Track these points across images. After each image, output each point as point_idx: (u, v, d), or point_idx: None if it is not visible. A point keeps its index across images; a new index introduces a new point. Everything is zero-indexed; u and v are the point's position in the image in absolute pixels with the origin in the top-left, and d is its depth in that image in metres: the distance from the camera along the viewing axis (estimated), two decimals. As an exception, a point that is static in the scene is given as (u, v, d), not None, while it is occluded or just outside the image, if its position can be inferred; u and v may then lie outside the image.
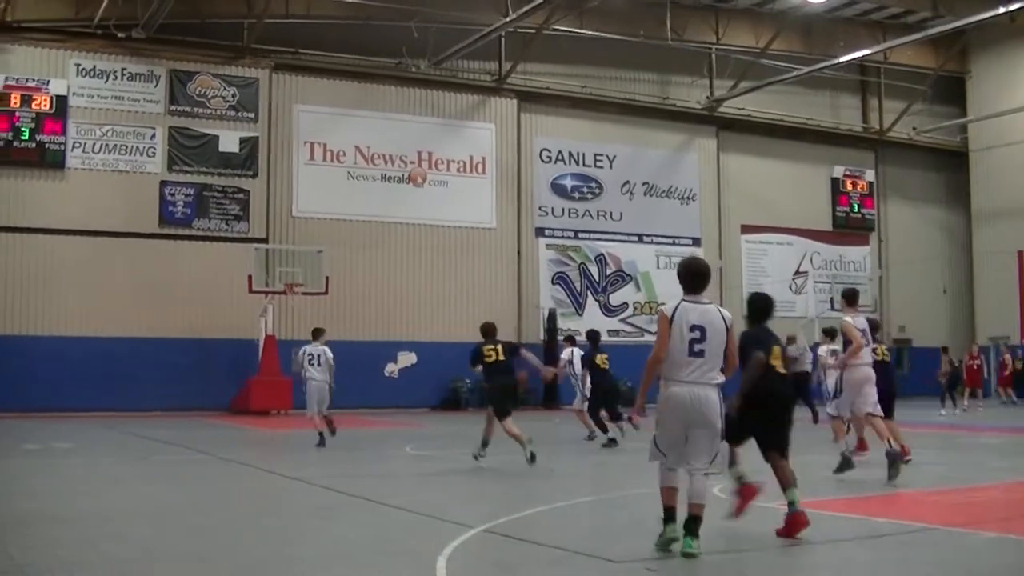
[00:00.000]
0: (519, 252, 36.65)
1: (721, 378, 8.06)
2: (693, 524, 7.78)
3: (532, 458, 14.48)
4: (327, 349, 18.50)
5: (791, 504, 8.62)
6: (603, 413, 18.84)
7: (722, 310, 8.19)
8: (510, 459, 14.89)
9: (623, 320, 38.17)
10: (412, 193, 34.95)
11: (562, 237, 37.58)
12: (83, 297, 30.79)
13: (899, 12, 40.57)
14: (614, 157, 38.51)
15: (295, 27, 33.47)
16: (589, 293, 38.00)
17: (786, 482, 8.72)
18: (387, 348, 33.27)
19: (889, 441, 12.94)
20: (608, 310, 38.07)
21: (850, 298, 14.56)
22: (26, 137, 30.69)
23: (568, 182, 38.00)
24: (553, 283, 37.38)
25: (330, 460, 16.50)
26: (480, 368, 15.15)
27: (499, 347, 15.17)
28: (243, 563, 7.96)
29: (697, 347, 7.94)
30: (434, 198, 35.33)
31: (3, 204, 30.53)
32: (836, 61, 37.74)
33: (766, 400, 8.75)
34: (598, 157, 38.29)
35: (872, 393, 13.65)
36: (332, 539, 8.82)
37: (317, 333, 18.78)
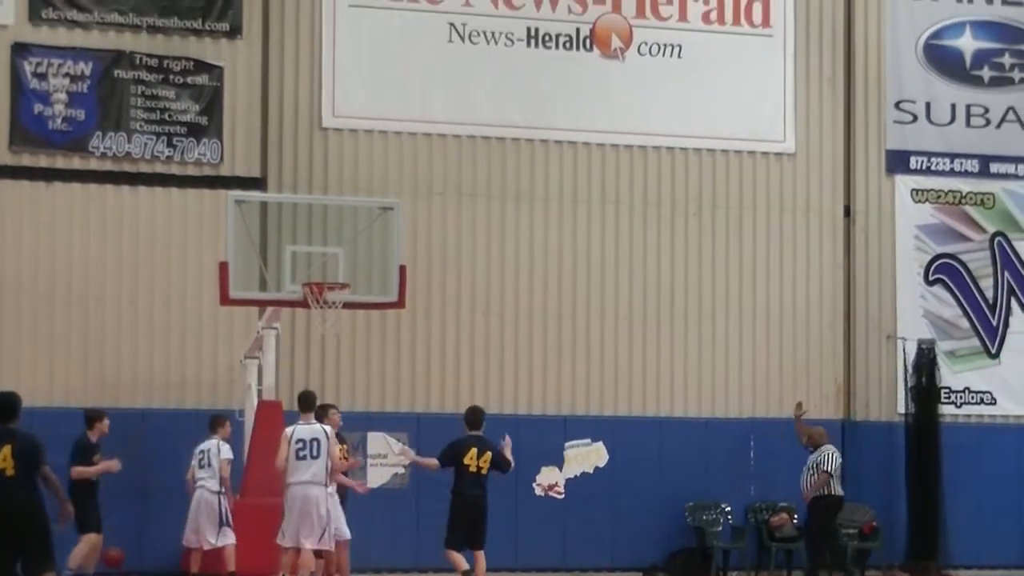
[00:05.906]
0: (848, 209, 19.59)
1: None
2: None
3: None
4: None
5: None
6: None
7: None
8: None
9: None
10: (600, 73, 18.78)
11: (951, 174, 19.56)
12: None
13: None
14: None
15: None
16: (1019, 304, 19.45)
17: None
18: (546, 429, 17.96)
19: None
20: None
21: None
22: None
23: (966, 43, 19.62)
24: (929, 281, 19.56)
25: None
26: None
27: None
28: None
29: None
30: (649, 84, 18.78)
31: None
32: None
33: None
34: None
35: None
36: None
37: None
